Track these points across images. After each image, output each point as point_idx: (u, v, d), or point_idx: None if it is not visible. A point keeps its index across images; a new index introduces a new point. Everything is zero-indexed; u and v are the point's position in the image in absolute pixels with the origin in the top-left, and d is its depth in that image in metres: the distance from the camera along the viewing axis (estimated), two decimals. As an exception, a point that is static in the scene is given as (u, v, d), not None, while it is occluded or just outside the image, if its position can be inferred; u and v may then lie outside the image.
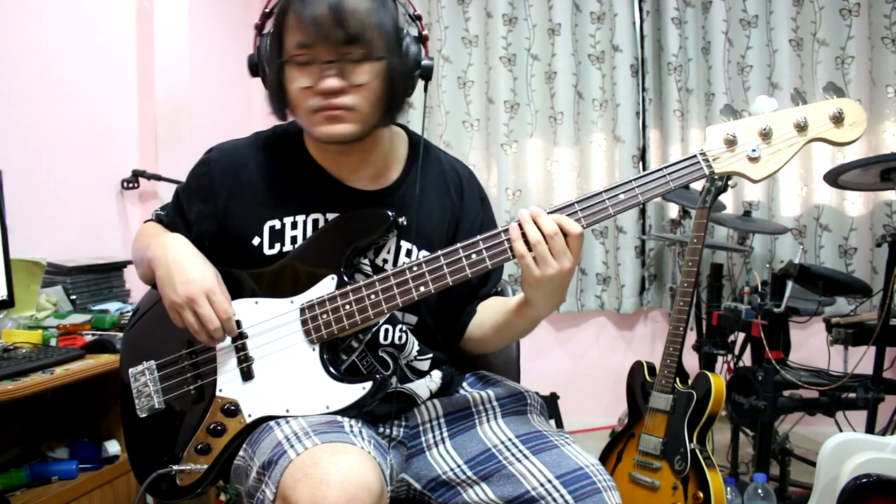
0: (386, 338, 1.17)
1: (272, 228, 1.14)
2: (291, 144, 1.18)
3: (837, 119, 0.99)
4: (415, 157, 1.20)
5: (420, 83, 1.12)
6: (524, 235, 1.00)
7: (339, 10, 0.98)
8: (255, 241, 1.14)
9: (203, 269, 1.08)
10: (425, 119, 1.17)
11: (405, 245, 1.16)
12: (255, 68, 1.11)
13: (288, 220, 1.14)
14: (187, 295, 1.04)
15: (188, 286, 1.05)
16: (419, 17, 1.10)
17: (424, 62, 1.09)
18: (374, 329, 1.15)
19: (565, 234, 0.99)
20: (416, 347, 1.20)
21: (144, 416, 1.12)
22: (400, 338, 1.17)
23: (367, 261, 1.15)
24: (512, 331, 1.16)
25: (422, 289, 1.05)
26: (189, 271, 1.06)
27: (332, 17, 0.98)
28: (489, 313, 1.21)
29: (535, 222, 0.99)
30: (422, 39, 1.09)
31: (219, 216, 1.16)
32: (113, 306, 1.99)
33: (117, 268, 2.15)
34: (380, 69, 1.03)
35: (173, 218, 1.21)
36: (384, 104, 1.07)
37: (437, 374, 1.23)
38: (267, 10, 1.09)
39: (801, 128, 1.00)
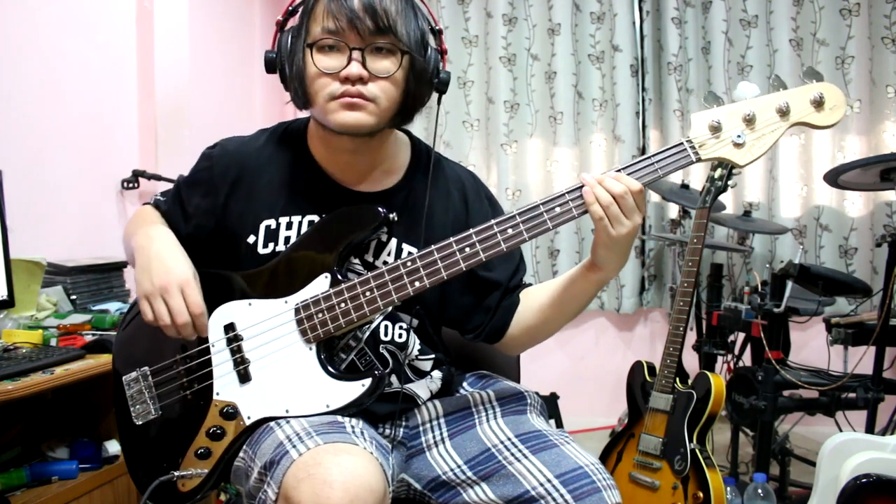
0: (386, 334, 1.16)
1: (268, 228, 1.14)
2: (295, 144, 1.19)
3: (818, 103, 1.01)
4: (418, 164, 1.21)
5: (433, 96, 1.14)
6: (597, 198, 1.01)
7: (371, 2, 1.02)
8: (250, 239, 1.14)
9: (182, 263, 1.08)
10: (436, 126, 1.17)
11: (407, 248, 1.16)
12: (272, 63, 1.10)
13: (283, 220, 1.14)
14: (161, 284, 1.05)
15: (163, 276, 1.05)
16: (440, 32, 1.12)
17: (442, 73, 1.12)
18: (374, 326, 1.15)
19: (631, 193, 1.01)
20: (418, 347, 1.20)
21: (140, 423, 1.12)
22: (400, 335, 1.17)
23: (358, 261, 1.15)
24: (579, 301, 1.15)
25: (416, 284, 1.05)
26: (167, 262, 1.07)
27: (364, 7, 1.02)
28: (543, 295, 1.18)
29: (603, 185, 1.01)
30: (441, 52, 1.12)
31: (217, 212, 1.16)
32: (113, 306, 1.99)
33: (117, 268, 2.15)
34: (403, 63, 1.06)
35: (171, 207, 1.22)
36: (401, 101, 1.09)
37: (437, 375, 1.23)
38: (291, 7, 1.10)
39: (784, 112, 1.02)
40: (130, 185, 2.40)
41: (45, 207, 2.07)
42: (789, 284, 2.08)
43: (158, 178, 2.41)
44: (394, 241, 1.16)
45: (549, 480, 1.01)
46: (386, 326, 1.16)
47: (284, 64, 1.09)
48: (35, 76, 2.04)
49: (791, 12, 2.96)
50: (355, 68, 1.03)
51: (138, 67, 2.46)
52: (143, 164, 2.44)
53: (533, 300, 1.20)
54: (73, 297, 1.96)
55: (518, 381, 1.40)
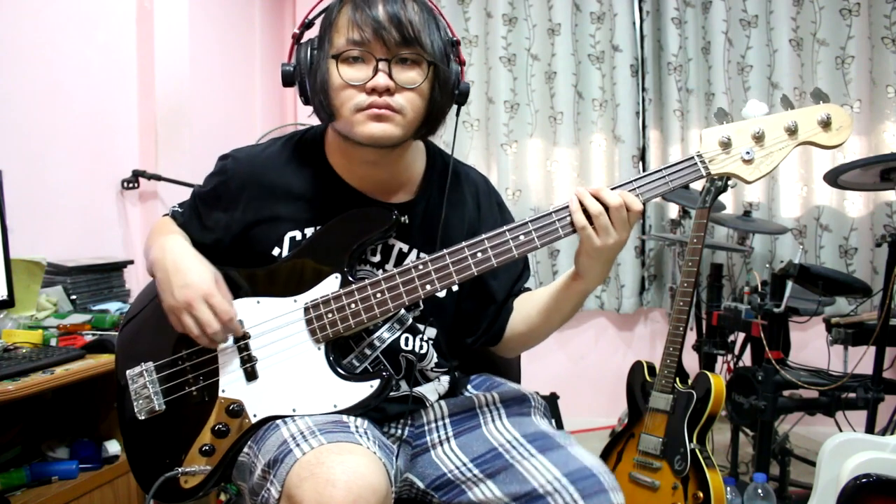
0: (406, 344, 1.17)
1: (293, 239, 1.14)
2: (311, 154, 1.18)
3: (825, 124, 1.04)
4: (434, 171, 1.21)
5: (453, 108, 1.13)
6: (584, 209, 1.04)
7: (397, 13, 1.02)
8: (275, 251, 1.14)
9: (201, 272, 1.07)
10: (454, 139, 1.17)
11: (425, 257, 1.16)
12: (289, 77, 1.09)
13: (308, 232, 1.14)
14: (184, 299, 1.04)
15: (185, 290, 1.05)
16: (458, 43, 1.12)
17: (462, 85, 1.11)
18: (393, 338, 1.15)
19: (627, 209, 1.03)
20: (435, 360, 1.20)
21: (144, 418, 1.11)
22: (421, 347, 1.18)
23: (370, 268, 1.15)
24: (562, 311, 1.17)
25: (428, 287, 1.05)
26: (187, 275, 1.06)
27: (390, 18, 1.01)
28: (532, 303, 1.21)
29: (598, 196, 1.03)
30: (460, 64, 1.12)
31: (236, 225, 1.15)
32: (113, 306, 1.99)
33: (117, 268, 2.15)
34: (429, 74, 1.05)
35: (188, 220, 1.21)
36: (427, 112, 1.08)
37: (444, 378, 1.23)
38: (308, 20, 1.10)
39: (792, 131, 1.05)
40: (130, 185, 2.40)
41: (45, 207, 2.06)
42: (789, 284, 2.08)
43: (158, 178, 2.41)
44: (414, 252, 1.16)
45: (557, 479, 1.02)
46: (406, 338, 1.17)
47: (304, 77, 1.08)
48: (35, 76, 2.04)
49: (791, 12, 2.96)
50: (382, 79, 1.02)
51: (138, 67, 2.46)
52: (143, 164, 2.44)
53: (524, 309, 1.23)
54: (73, 297, 1.96)
55: (519, 381, 1.41)
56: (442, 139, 1.25)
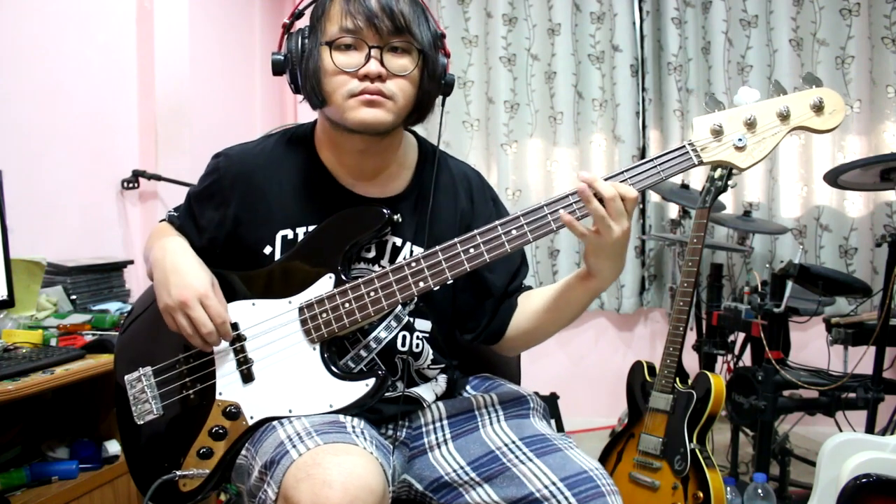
0: (403, 344, 1.16)
1: (284, 238, 1.14)
2: (302, 150, 1.18)
3: (818, 108, 1.03)
4: (424, 164, 1.21)
5: (438, 98, 1.15)
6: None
7: (389, 4, 1.04)
8: (267, 249, 1.14)
9: (199, 273, 1.08)
10: (440, 129, 1.18)
11: (417, 250, 1.16)
12: (279, 65, 1.11)
13: (300, 231, 1.14)
14: (180, 299, 1.05)
15: (182, 290, 1.05)
16: (443, 36, 1.13)
17: (448, 76, 1.13)
18: (391, 337, 1.15)
19: (623, 199, 1.02)
20: (431, 356, 1.20)
21: (142, 423, 1.11)
22: (417, 345, 1.18)
23: (364, 265, 1.15)
24: (572, 307, 1.16)
25: (421, 284, 1.05)
26: (184, 276, 1.07)
27: (382, 8, 1.03)
28: (539, 299, 1.20)
29: (592, 187, 1.02)
30: (446, 56, 1.13)
31: (229, 223, 1.16)
32: (113, 306, 1.99)
33: (117, 268, 2.15)
34: (420, 63, 1.07)
35: (184, 221, 1.22)
36: (416, 100, 1.10)
37: (442, 378, 1.23)
38: (298, 10, 1.12)
39: (784, 117, 1.03)
40: (130, 185, 2.40)
41: (45, 207, 2.07)
42: (789, 284, 2.08)
43: (158, 178, 2.41)
44: (408, 246, 1.16)
45: (553, 483, 1.01)
46: (403, 336, 1.16)
47: (296, 65, 1.09)
48: (35, 76, 2.04)
49: (791, 12, 2.96)
50: (374, 66, 1.04)
51: (138, 67, 2.46)
52: (143, 164, 2.44)
53: (530, 305, 1.22)
54: (73, 297, 1.96)
55: (519, 381, 1.41)
56: (442, 138, 1.24)
